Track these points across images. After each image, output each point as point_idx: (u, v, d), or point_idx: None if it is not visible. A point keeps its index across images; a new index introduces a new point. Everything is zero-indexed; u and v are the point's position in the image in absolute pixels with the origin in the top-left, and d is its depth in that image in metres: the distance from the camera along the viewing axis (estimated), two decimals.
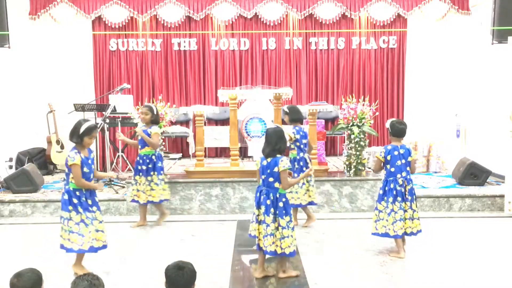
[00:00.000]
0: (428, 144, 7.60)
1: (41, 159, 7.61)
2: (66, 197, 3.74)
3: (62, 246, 3.78)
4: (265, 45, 8.67)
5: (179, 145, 8.82)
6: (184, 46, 8.64)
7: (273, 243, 3.59)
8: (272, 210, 3.61)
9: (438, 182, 6.61)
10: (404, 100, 8.72)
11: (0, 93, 7.11)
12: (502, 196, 5.75)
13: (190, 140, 8.14)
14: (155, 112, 5.11)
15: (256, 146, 7.62)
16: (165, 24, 8.45)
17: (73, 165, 3.64)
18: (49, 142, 7.67)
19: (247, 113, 7.83)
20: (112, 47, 8.58)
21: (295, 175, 4.71)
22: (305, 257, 4.18)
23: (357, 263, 4.05)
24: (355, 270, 3.89)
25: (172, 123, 7.11)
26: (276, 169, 3.59)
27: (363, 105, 6.06)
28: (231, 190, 5.82)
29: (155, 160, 5.06)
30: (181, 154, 8.56)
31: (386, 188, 4.13)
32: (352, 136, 5.95)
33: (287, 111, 5.11)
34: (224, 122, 8.47)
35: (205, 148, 6.72)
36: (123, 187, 6.15)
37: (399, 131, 4.18)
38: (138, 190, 5.07)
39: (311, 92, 8.78)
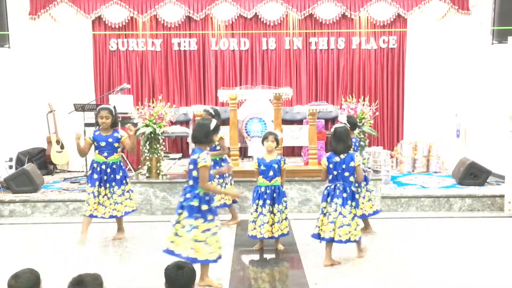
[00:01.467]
0: (428, 144, 7.61)
1: (41, 159, 7.61)
2: (195, 203, 3.40)
3: (172, 253, 3.44)
4: (265, 45, 8.66)
5: (179, 145, 8.82)
6: (184, 46, 8.64)
7: (349, 232, 3.90)
8: (349, 202, 3.92)
9: (438, 182, 6.62)
10: (404, 100, 8.72)
11: (0, 93, 7.11)
12: (502, 196, 5.75)
13: (190, 140, 8.13)
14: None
15: (256, 146, 7.62)
16: (165, 24, 8.45)
17: (204, 168, 3.35)
18: (49, 142, 7.67)
19: (247, 113, 7.81)
20: (112, 47, 8.57)
21: None
22: (304, 257, 4.18)
23: (356, 263, 4.05)
24: (355, 270, 3.89)
25: (172, 123, 7.11)
26: (352, 164, 3.92)
27: (363, 105, 6.06)
28: None
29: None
30: (181, 154, 8.56)
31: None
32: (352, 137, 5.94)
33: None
34: (224, 122, 8.44)
35: None
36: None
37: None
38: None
39: (311, 92, 8.78)
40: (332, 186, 3.98)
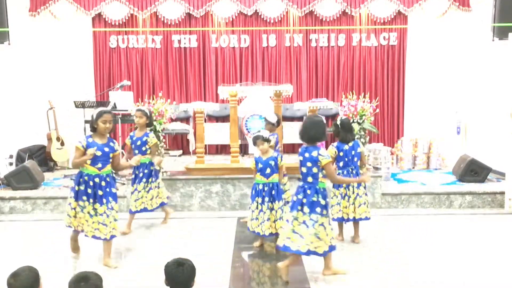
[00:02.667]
0: (428, 141, 7.59)
1: (41, 156, 7.60)
2: (317, 198, 3.49)
3: (288, 249, 3.53)
4: (266, 42, 8.64)
5: (179, 142, 8.81)
6: (184, 43, 8.61)
7: (366, 211, 4.50)
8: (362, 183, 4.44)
9: (438, 179, 6.60)
10: (405, 96, 8.70)
11: (0, 90, 7.09)
12: (502, 193, 5.74)
13: (190, 137, 8.13)
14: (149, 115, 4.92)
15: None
16: (165, 21, 8.42)
17: (329, 163, 3.51)
18: (49, 139, 7.65)
19: (247, 110, 7.82)
20: (112, 44, 8.55)
21: None
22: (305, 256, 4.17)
23: (355, 261, 4.04)
24: (354, 268, 3.88)
25: (172, 120, 7.09)
26: (359, 150, 4.41)
27: (364, 101, 6.04)
28: (232, 187, 5.81)
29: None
30: (181, 151, 8.55)
31: None
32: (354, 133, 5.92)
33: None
34: (224, 119, 8.45)
35: (206, 145, 6.71)
36: (123, 183, 6.14)
37: None
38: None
39: (311, 89, 8.76)
40: (345, 172, 4.34)
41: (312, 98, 8.15)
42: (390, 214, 5.59)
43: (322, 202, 3.52)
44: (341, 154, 4.35)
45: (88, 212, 3.83)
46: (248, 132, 7.76)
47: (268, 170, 4.24)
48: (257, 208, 4.25)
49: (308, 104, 6.10)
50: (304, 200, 3.52)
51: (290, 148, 8.56)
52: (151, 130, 5.17)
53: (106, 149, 3.82)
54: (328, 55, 8.72)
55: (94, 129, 3.80)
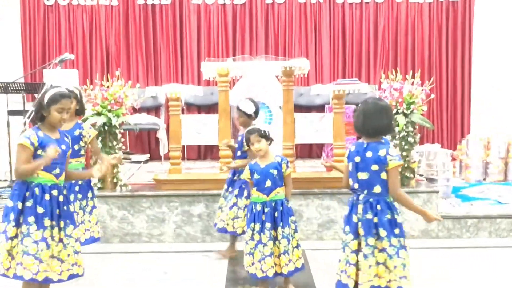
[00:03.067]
0: (506, 142, 7.59)
1: None
2: (391, 216, 3.61)
3: None
4: None
5: (145, 143, 8.82)
6: (153, 0, 8.63)
7: None
8: None
9: None
10: (472, 77, 8.70)
11: None
12: None
13: (162, 135, 8.13)
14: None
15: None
16: None
17: (398, 167, 3.57)
18: None
19: (244, 96, 7.80)
20: (48, 0, 8.55)
21: None
22: None
23: None
24: None
25: (135, 111, 7.09)
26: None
27: (413, 84, 6.04)
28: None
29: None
30: (148, 155, 8.55)
31: None
32: (397, 129, 5.94)
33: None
34: (210, 108, 8.44)
35: (183, 146, 6.70)
36: None
37: None
38: None
39: (336, 66, 8.77)
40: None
41: (338, 79, 8.14)
42: (451, 246, 5.59)
43: (398, 219, 3.55)
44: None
45: (60, 241, 3.69)
46: None
47: (268, 183, 4.21)
48: (252, 238, 4.24)
49: (332, 87, 6.10)
50: (376, 220, 3.51)
51: (306, 151, 8.58)
52: (83, 120, 5.17)
53: (63, 147, 3.76)
54: (360, 16, 8.72)
55: (42, 119, 3.66)
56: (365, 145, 3.52)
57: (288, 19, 8.71)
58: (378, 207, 3.50)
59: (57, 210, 3.67)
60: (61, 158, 3.69)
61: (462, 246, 5.61)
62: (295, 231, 4.29)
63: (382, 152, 3.45)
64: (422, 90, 6.01)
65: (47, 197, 3.61)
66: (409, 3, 8.65)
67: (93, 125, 5.67)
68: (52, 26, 8.61)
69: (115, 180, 5.86)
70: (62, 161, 3.73)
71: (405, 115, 5.91)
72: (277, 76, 6.65)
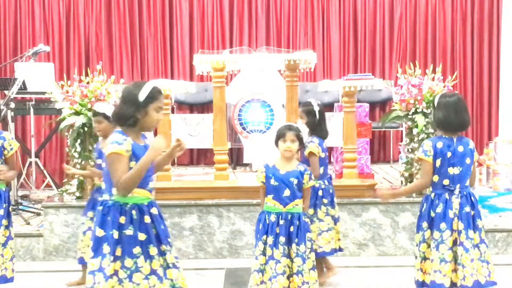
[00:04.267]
0: None
1: None
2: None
3: None
4: None
5: None
6: None
7: None
8: None
9: None
10: (500, 71, 8.72)
11: None
12: None
13: (149, 137, 8.13)
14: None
15: (256, 147, 7.61)
16: None
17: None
18: None
19: (242, 93, 7.82)
20: None
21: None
22: None
23: None
24: None
25: None
26: None
27: (433, 79, 6.05)
28: (216, 219, 5.81)
29: None
30: None
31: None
32: (415, 131, 5.94)
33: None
34: (204, 107, 8.46)
35: None
36: (39, 214, 6.14)
37: None
38: None
39: (346, 59, 8.79)
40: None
41: (349, 74, 8.16)
42: None
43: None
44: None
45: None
46: (244, 129, 7.77)
47: (286, 192, 4.19)
48: (264, 253, 4.23)
49: (342, 83, 6.10)
50: (473, 213, 3.97)
51: None
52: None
53: None
54: (374, 3, 8.74)
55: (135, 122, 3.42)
56: (455, 140, 3.96)
57: (293, 6, 8.73)
58: (472, 199, 3.98)
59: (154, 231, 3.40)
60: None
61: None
62: (311, 250, 4.29)
63: (471, 145, 4.00)
64: (444, 87, 6.02)
65: (147, 219, 3.35)
66: None
67: (71, 126, 5.69)
68: (25, 14, 8.62)
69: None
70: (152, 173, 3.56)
71: (425, 115, 5.91)
72: (279, 71, 6.66)
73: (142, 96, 3.28)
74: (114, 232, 3.20)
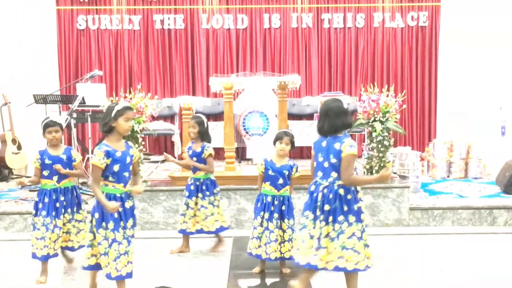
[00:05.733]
0: (466, 144, 7.59)
1: None
2: None
3: None
4: (268, 22, 8.66)
5: (162, 145, 8.82)
6: (169, 24, 8.64)
7: None
8: None
9: (479, 190, 6.61)
10: (438, 90, 8.73)
11: None
12: None
13: (176, 138, 8.14)
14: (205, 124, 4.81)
15: (256, 146, 7.62)
16: None
17: None
18: (4, 141, 7.65)
19: (245, 106, 7.83)
20: (80, 25, 8.57)
21: None
22: (315, 282, 4.17)
23: None
24: None
25: (153, 118, 7.07)
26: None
27: (388, 96, 6.05)
28: (226, 200, 5.81)
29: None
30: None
31: None
32: (374, 134, 5.94)
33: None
34: (217, 116, 8.45)
35: None
36: (93, 196, 6.14)
37: None
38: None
39: (323, 81, 8.78)
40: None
41: (325, 92, 8.18)
42: (420, 233, 5.59)
43: None
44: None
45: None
46: (247, 133, 7.78)
47: (280, 180, 4.23)
48: (261, 225, 4.25)
49: (320, 98, 6.14)
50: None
51: (298, 153, 8.58)
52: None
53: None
54: (343, 38, 8.74)
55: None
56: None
57: (283, 41, 8.72)
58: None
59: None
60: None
61: (429, 233, 5.62)
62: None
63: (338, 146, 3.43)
64: (395, 101, 6.02)
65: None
66: (385, 28, 8.67)
67: None
68: (84, 47, 8.63)
69: None
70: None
71: (381, 122, 5.91)
72: (273, 89, 6.66)
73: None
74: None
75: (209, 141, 4.87)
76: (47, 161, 4.14)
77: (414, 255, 4.88)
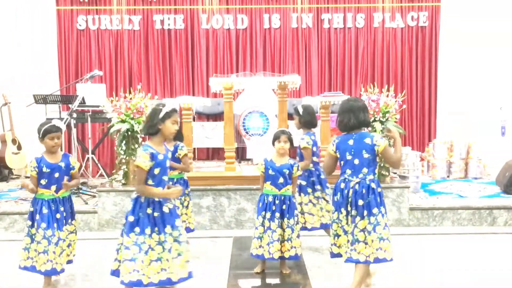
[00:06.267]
0: (466, 144, 7.60)
1: None
2: None
3: None
4: (268, 23, 8.66)
5: None
6: (168, 24, 8.63)
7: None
8: None
9: (479, 190, 6.61)
10: (438, 90, 8.72)
11: None
12: None
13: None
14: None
15: (256, 146, 7.63)
16: None
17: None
18: (4, 142, 7.66)
19: (245, 106, 7.84)
20: (80, 25, 8.57)
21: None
22: (315, 282, 4.17)
23: None
24: None
25: None
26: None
27: (387, 96, 6.05)
28: (226, 200, 5.81)
29: None
30: None
31: None
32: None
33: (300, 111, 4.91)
34: (217, 117, 8.45)
35: (194, 148, 6.71)
36: (94, 196, 6.15)
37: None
38: None
39: (323, 81, 8.77)
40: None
41: (325, 92, 8.15)
42: (420, 233, 5.60)
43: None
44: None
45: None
46: (247, 133, 7.78)
47: (281, 180, 4.22)
48: (262, 225, 4.25)
49: (320, 98, 6.12)
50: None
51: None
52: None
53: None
54: (343, 39, 8.73)
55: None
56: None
57: (283, 41, 8.72)
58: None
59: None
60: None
61: (429, 233, 5.62)
62: (297, 223, 4.30)
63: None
64: (395, 102, 6.02)
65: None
66: (385, 28, 8.67)
67: (118, 131, 5.70)
68: (84, 47, 8.62)
69: None
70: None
71: (381, 122, 5.91)
72: (273, 89, 6.66)
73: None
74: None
75: (181, 141, 4.84)
76: (45, 170, 3.87)
77: (414, 255, 4.89)
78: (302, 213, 4.78)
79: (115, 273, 3.47)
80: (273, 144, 4.29)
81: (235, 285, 4.19)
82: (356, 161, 3.58)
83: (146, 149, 3.33)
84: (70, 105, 6.49)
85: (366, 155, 3.56)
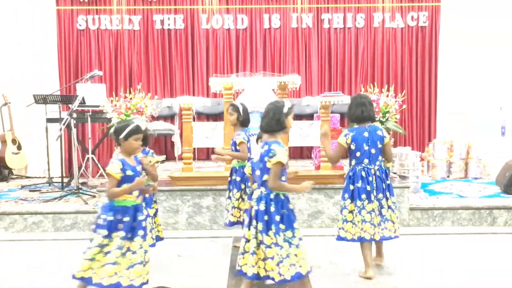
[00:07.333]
0: (466, 144, 7.60)
1: None
2: None
3: None
4: (268, 23, 8.66)
5: (162, 145, 8.82)
6: (168, 24, 8.64)
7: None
8: None
9: (479, 191, 6.61)
10: (438, 90, 8.72)
11: None
12: None
13: (176, 139, 8.14)
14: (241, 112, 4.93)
15: (256, 146, 7.61)
16: None
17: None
18: (4, 142, 7.66)
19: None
20: (80, 25, 8.57)
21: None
22: (315, 282, 4.17)
23: None
24: None
25: (153, 118, 7.11)
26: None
27: (387, 96, 6.07)
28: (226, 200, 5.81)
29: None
30: (164, 156, 8.56)
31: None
32: None
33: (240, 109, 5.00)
34: (217, 117, 8.45)
35: (194, 148, 6.71)
36: (94, 196, 6.15)
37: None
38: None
39: (323, 81, 8.78)
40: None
41: (325, 92, 8.15)
42: (420, 233, 5.60)
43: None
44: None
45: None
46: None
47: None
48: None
49: (320, 98, 6.12)
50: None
51: (298, 153, 8.59)
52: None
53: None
54: (343, 39, 8.74)
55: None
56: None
57: (283, 41, 8.72)
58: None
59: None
60: None
61: (429, 233, 5.62)
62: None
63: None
64: (395, 102, 6.04)
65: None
66: (385, 28, 8.67)
67: None
68: (84, 47, 8.62)
69: None
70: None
71: (381, 122, 5.93)
72: (273, 89, 6.66)
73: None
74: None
75: (147, 145, 4.60)
76: (128, 173, 3.46)
77: (414, 255, 4.89)
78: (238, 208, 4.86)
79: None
80: (257, 142, 4.38)
81: (235, 285, 4.19)
82: (373, 151, 4.09)
83: (282, 146, 3.65)
84: (70, 105, 6.49)
85: (379, 145, 4.09)
